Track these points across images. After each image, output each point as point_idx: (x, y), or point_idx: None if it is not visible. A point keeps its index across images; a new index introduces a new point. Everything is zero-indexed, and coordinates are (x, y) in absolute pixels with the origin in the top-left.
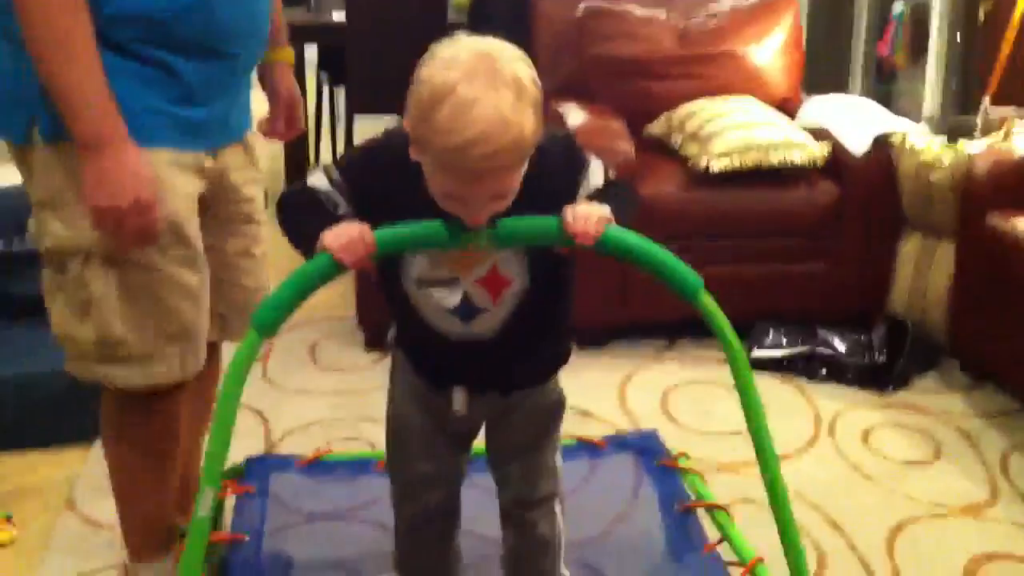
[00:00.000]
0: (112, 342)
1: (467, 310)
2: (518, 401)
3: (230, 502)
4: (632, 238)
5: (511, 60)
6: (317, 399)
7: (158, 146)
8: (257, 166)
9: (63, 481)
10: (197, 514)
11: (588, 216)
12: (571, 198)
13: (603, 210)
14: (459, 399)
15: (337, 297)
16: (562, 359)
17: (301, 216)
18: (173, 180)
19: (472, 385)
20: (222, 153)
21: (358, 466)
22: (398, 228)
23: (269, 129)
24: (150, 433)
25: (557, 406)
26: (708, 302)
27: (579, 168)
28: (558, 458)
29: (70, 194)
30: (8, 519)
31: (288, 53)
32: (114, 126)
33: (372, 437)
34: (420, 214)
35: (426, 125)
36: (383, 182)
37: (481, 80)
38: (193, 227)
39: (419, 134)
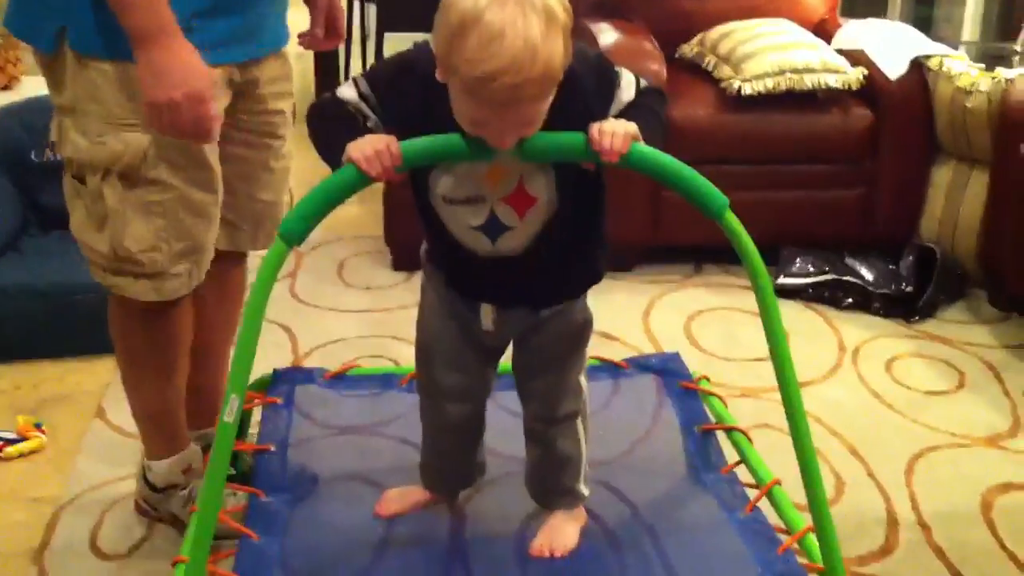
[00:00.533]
0: (124, 257)
1: (493, 227)
2: (546, 318)
3: (257, 416)
4: (658, 155)
5: None
6: (344, 316)
7: None
8: (290, 80)
9: (94, 390)
10: (223, 419)
11: (614, 132)
12: (602, 116)
13: (629, 126)
14: (488, 315)
15: (366, 216)
16: (592, 278)
17: (329, 127)
18: None
19: (501, 301)
20: (254, 65)
21: (383, 381)
22: (424, 140)
23: (308, 39)
24: (153, 340)
25: (585, 325)
26: (733, 221)
27: (611, 89)
28: (583, 377)
29: (93, 107)
30: (38, 426)
31: None
32: (164, 19)
33: (397, 354)
34: (446, 131)
35: (453, 51)
36: (410, 98)
37: (510, 6)
38: (212, 149)
39: (446, 59)
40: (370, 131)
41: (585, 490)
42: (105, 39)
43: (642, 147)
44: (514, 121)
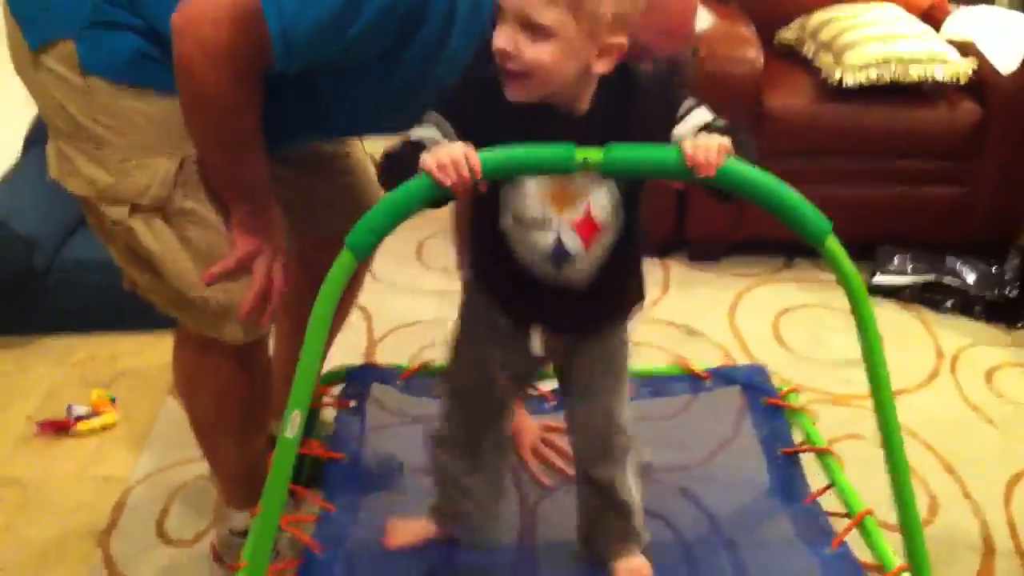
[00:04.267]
0: (178, 299)
1: (559, 254)
2: (591, 343)
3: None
4: (756, 173)
5: None
6: (422, 297)
7: None
8: None
9: (167, 366)
10: (284, 435)
11: (708, 147)
12: (669, 128)
13: (724, 140)
14: (536, 340)
15: None
16: (640, 298)
17: (405, 169)
18: None
19: (554, 326)
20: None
21: None
22: (504, 149)
23: None
24: (226, 397)
25: (623, 346)
26: (836, 248)
27: (676, 97)
28: (627, 414)
29: (112, 134)
30: (113, 401)
31: None
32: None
33: None
34: (513, 128)
35: None
36: (477, 103)
37: None
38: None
39: None
40: None
41: (645, 533)
42: (131, 59)
43: (737, 164)
44: (517, 19)
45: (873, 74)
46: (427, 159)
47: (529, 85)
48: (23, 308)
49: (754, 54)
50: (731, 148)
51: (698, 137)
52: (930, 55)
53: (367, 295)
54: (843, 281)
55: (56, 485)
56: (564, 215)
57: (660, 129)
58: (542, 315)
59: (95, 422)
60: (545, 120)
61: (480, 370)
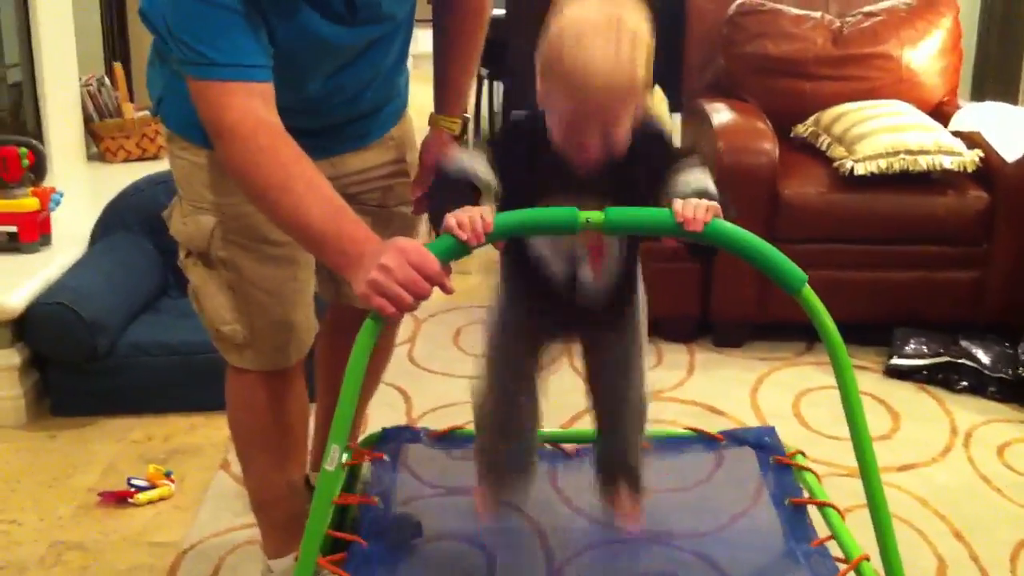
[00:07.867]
0: (212, 329)
1: (574, 279)
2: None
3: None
4: (738, 230)
5: (635, 18)
6: (458, 381)
7: None
8: (400, 160)
9: (220, 443)
10: (324, 468)
11: (697, 205)
12: (663, 177)
13: (711, 203)
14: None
15: (483, 287)
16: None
17: (443, 200)
18: None
19: (571, 328)
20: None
21: None
22: (516, 212)
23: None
24: (260, 414)
25: (637, 329)
26: (811, 297)
27: (672, 155)
28: (645, 382)
29: (182, 190)
30: (168, 475)
31: (449, 122)
32: (361, 247)
33: None
34: (548, 185)
35: (553, 58)
36: (522, 148)
37: (604, 28)
38: (276, 230)
39: (547, 68)
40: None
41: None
42: (188, 120)
43: (722, 222)
44: (599, 121)
45: (883, 164)
46: (449, 219)
47: (600, 159)
48: (85, 389)
49: (770, 146)
50: (718, 209)
51: (688, 199)
52: (937, 146)
53: (406, 378)
54: (818, 325)
55: (115, 549)
56: (579, 248)
57: (659, 175)
58: (562, 321)
59: (152, 493)
60: (569, 170)
61: (509, 350)
